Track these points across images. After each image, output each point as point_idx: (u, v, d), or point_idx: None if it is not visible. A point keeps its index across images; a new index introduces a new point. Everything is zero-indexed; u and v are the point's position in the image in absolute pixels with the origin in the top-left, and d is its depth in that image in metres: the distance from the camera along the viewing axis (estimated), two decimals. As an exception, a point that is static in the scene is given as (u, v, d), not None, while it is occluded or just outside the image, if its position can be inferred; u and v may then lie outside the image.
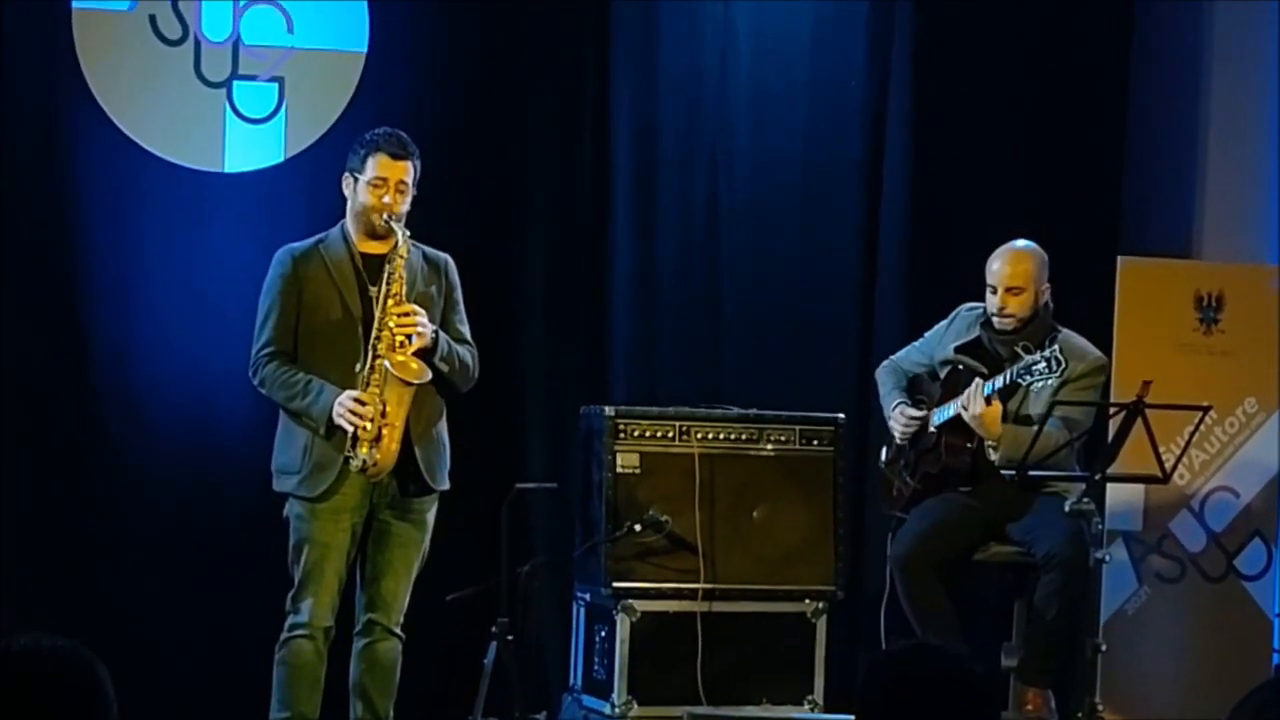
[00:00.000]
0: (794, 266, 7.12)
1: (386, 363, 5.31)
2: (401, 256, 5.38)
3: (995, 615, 6.35)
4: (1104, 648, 5.88)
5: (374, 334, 5.36)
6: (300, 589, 5.39)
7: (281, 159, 6.54)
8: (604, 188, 6.93)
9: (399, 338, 5.34)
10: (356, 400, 5.30)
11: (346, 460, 5.33)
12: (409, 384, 5.32)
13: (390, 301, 5.37)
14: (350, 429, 5.29)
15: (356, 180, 5.45)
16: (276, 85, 6.56)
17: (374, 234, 5.46)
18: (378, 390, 5.32)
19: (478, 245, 6.72)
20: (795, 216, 7.12)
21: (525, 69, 6.83)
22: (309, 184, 6.46)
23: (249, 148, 6.53)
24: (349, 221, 5.49)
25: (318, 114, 6.54)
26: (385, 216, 5.39)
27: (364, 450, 5.30)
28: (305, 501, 5.37)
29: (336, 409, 5.30)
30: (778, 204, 7.09)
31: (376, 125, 5.73)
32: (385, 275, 5.39)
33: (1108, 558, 5.86)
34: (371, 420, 5.29)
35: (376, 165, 5.43)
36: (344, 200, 5.54)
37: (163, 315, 6.48)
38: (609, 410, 6.22)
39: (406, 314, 5.36)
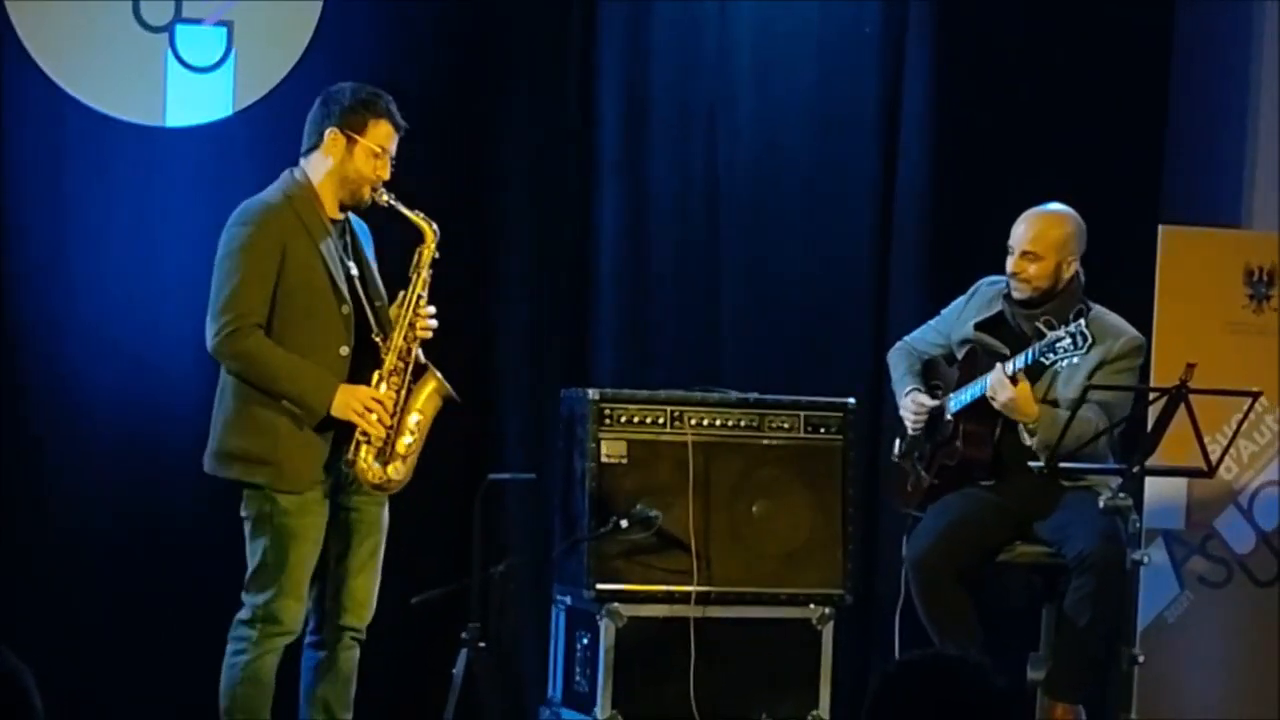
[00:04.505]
0: (801, 235, 7.12)
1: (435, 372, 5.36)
2: (430, 248, 5.39)
3: (1021, 622, 6.36)
4: (1141, 659, 5.89)
5: (403, 330, 5.35)
6: (280, 593, 5.30)
7: (230, 112, 6.53)
8: (589, 145, 6.92)
9: (419, 336, 5.37)
10: (374, 399, 5.28)
11: (341, 465, 5.30)
12: (450, 399, 5.39)
13: (421, 297, 5.37)
14: (364, 433, 5.26)
15: (352, 141, 5.34)
16: (224, 30, 6.55)
17: (354, 205, 5.41)
18: (395, 392, 5.32)
19: (449, 211, 6.69)
20: (802, 181, 7.12)
21: (503, 15, 6.82)
22: (260, 140, 6.44)
23: (193, 99, 6.52)
24: (323, 180, 5.37)
25: (270, 62, 6.53)
26: (382, 192, 5.36)
27: (368, 459, 5.30)
28: (283, 495, 5.28)
29: (354, 404, 5.26)
30: (783, 164, 7.09)
31: (336, 76, 5.70)
32: (417, 266, 5.38)
33: (1146, 559, 5.87)
34: (387, 426, 5.29)
35: (381, 133, 5.37)
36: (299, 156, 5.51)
37: (97, 287, 6.46)
38: (593, 393, 6.22)
39: (433, 315, 5.39)
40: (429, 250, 5.40)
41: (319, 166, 5.38)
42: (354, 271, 5.38)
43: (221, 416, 5.34)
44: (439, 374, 5.40)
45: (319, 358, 5.28)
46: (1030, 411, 5.92)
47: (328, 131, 5.36)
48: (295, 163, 5.44)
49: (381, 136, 5.37)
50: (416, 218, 5.41)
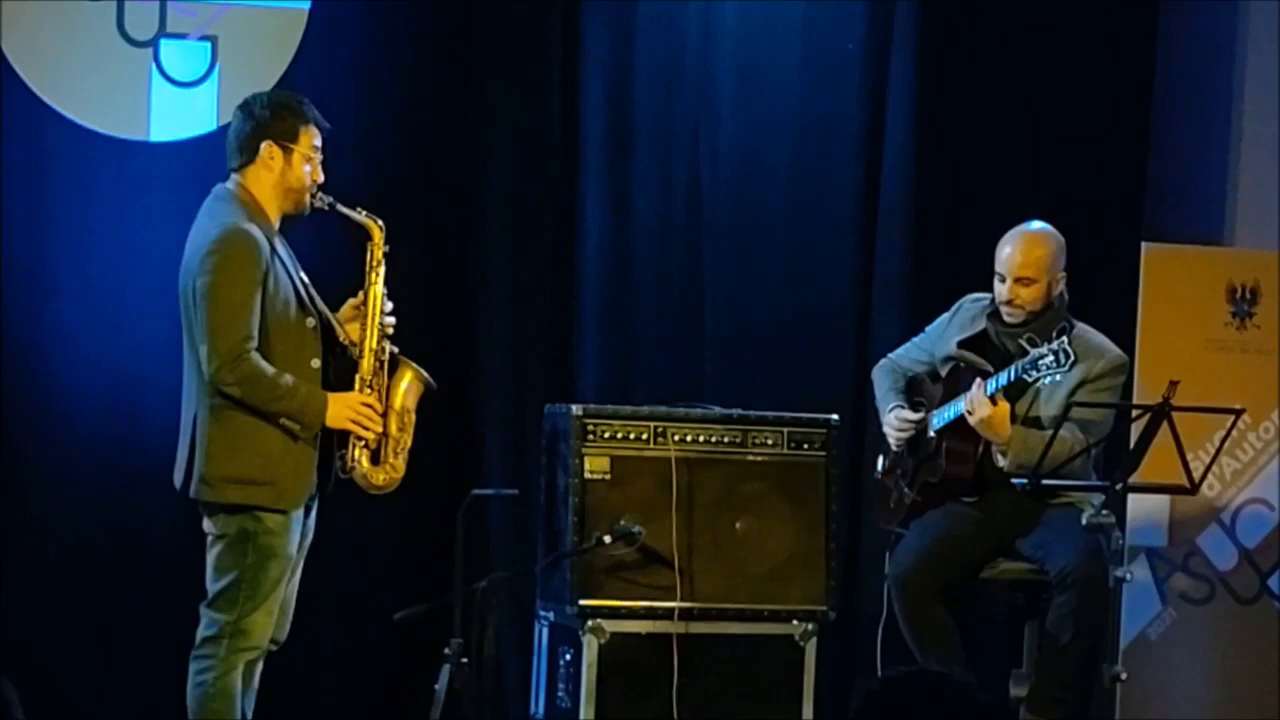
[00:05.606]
0: (784, 252, 7.13)
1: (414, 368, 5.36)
2: (380, 244, 5.37)
3: (1004, 639, 6.36)
4: (1124, 676, 5.89)
5: (373, 331, 5.34)
6: (254, 608, 5.25)
7: (214, 127, 6.52)
8: (573, 161, 6.93)
9: (387, 332, 5.37)
10: (364, 403, 5.29)
11: (335, 474, 5.30)
12: (429, 385, 5.39)
13: (382, 294, 5.36)
14: (359, 438, 5.28)
15: (288, 151, 5.31)
16: (209, 45, 6.55)
17: (296, 213, 5.37)
18: (378, 392, 5.32)
19: (432, 225, 6.72)
20: (785, 196, 7.12)
21: (485, 30, 6.82)
22: (244, 155, 6.43)
23: (178, 114, 6.53)
24: (267, 194, 5.31)
25: (254, 77, 6.51)
26: (320, 196, 5.34)
27: (364, 463, 5.31)
28: (269, 515, 5.23)
29: (347, 412, 5.26)
30: (766, 182, 7.10)
31: (321, 90, 5.74)
32: (372, 265, 5.36)
33: (1129, 576, 5.87)
34: (379, 428, 5.31)
35: (310, 137, 5.35)
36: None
37: (81, 301, 6.46)
38: (576, 409, 6.21)
39: (390, 310, 5.38)
40: (379, 247, 5.39)
41: (259, 180, 5.32)
42: (306, 281, 5.37)
43: (206, 440, 5.24)
44: (413, 363, 5.41)
45: (294, 372, 5.25)
46: (1004, 433, 5.93)
47: (263, 145, 5.31)
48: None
49: (312, 141, 5.36)
50: (360, 216, 5.39)
